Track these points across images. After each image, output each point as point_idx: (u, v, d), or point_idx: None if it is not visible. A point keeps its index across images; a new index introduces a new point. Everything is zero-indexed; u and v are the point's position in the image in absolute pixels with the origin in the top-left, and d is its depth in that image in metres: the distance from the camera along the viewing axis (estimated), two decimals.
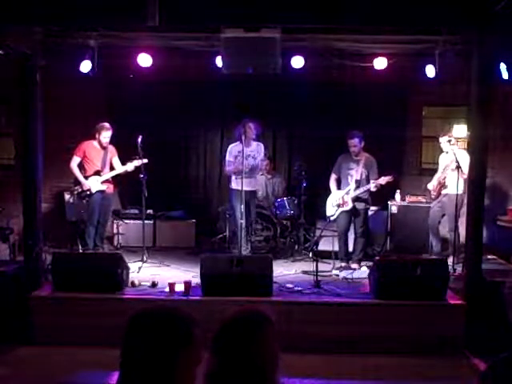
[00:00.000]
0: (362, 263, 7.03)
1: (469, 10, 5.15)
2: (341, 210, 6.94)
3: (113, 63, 7.04)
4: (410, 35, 6.09)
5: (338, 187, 7.05)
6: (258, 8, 5.23)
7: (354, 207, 6.92)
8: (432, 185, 7.26)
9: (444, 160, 7.21)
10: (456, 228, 6.97)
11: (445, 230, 7.38)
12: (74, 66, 6.66)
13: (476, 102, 5.52)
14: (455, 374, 4.70)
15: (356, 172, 6.89)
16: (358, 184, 6.86)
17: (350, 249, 7.16)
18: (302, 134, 8.72)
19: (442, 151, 7.27)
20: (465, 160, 6.86)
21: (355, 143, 6.87)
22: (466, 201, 6.06)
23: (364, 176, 6.87)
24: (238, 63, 5.75)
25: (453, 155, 6.92)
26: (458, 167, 6.67)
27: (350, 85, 8.07)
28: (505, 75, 6.33)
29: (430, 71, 6.85)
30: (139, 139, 6.85)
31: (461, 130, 8.81)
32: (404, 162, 8.67)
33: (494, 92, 5.61)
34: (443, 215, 7.21)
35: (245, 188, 6.90)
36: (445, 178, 7.08)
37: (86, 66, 6.67)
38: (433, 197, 7.23)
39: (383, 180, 6.72)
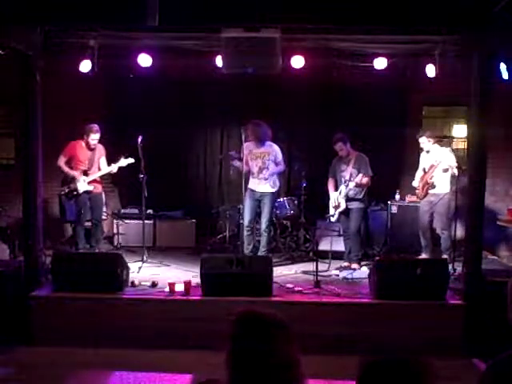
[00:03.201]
0: (362, 263, 7.04)
1: (469, 10, 5.15)
2: (338, 211, 6.98)
3: (113, 63, 7.03)
4: (410, 35, 6.08)
5: (337, 189, 7.07)
6: (258, 8, 5.22)
7: (347, 207, 6.94)
8: (417, 184, 7.26)
9: (426, 159, 7.21)
10: (450, 226, 7.06)
11: (437, 228, 7.36)
12: (73, 66, 6.65)
13: (476, 101, 5.52)
14: (455, 374, 4.69)
15: (346, 173, 6.93)
16: (347, 183, 6.88)
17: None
18: (302, 134, 8.72)
19: (422, 150, 7.28)
20: (452, 159, 6.91)
21: (340, 147, 6.89)
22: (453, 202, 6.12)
23: (354, 176, 6.86)
24: (238, 63, 5.75)
25: (437, 155, 7.02)
26: (448, 168, 6.79)
27: (350, 85, 8.06)
28: (505, 75, 6.32)
29: (430, 71, 6.84)
30: (139, 139, 6.86)
31: (461, 129, 8.82)
32: (404, 161, 8.67)
33: (494, 92, 5.59)
34: (431, 214, 7.20)
35: (255, 188, 6.95)
36: (432, 177, 7.08)
37: (85, 66, 6.66)
38: (420, 196, 7.23)
39: (358, 178, 6.72)
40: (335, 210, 7.00)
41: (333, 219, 7.06)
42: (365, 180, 6.75)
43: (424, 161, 7.25)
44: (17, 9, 5.22)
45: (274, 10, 5.24)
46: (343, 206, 6.93)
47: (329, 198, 7.13)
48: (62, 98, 7.97)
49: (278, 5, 5.21)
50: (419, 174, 7.29)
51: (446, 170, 6.97)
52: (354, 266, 6.93)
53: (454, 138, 7.51)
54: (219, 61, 6.13)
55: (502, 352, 1.87)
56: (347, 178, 6.90)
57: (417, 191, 7.29)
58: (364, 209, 7.14)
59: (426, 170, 7.15)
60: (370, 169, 6.89)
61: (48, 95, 6.08)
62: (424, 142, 7.10)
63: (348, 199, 6.92)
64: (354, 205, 6.95)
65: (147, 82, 7.82)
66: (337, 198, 6.97)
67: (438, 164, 6.97)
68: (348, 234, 7.06)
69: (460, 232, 6.66)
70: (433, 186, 7.07)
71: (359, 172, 6.84)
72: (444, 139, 7.34)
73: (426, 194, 7.13)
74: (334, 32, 5.98)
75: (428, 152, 7.14)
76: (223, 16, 5.32)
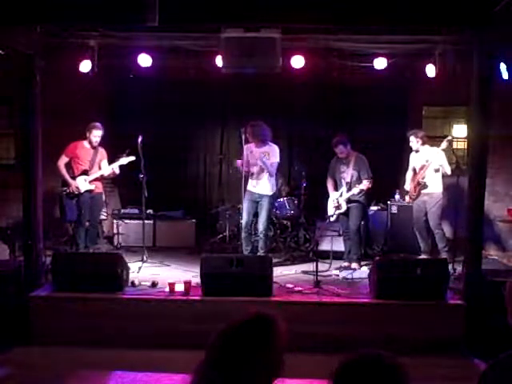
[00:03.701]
0: (362, 263, 7.04)
1: (469, 10, 5.15)
2: (338, 212, 6.99)
3: (113, 63, 7.04)
4: (409, 35, 6.09)
5: (336, 189, 7.08)
6: (258, 8, 5.23)
7: (348, 208, 6.95)
8: (409, 185, 7.25)
9: (416, 159, 7.19)
10: (442, 226, 7.07)
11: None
12: (74, 66, 6.66)
13: (476, 101, 5.51)
14: (455, 374, 4.69)
15: (347, 174, 6.92)
16: (349, 186, 6.88)
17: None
18: (302, 134, 8.72)
19: (411, 150, 7.28)
20: (443, 159, 6.91)
21: (341, 150, 6.90)
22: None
23: (355, 177, 6.88)
24: (238, 63, 5.75)
25: (427, 155, 7.01)
26: (439, 168, 6.80)
27: (350, 85, 8.07)
28: (505, 75, 6.33)
29: (430, 71, 6.85)
30: (139, 139, 6.86)
31: (461, 129, 8.83)
32: (404, 161, 8.66)
33: (494, 92, 5.59)
34: (426, 214, 7.19)
35: (254, 190, 6.95)
36: (424, 177, 7.06)
37: (85, 66, 6.67)
38: (413, 197, 7.21)
39: (364, 185, 6.74)
40: (335, 211, 7.00)
41: (332, 219, 7.06)
42: (369, 186, 6.76)
43: (413, 161, 7.23)
44: (17, 9, 5.22)
45: (274, 9, 5.24)
46: (344, 207, 6.94)
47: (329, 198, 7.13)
48: (62, 98, 7.98)
49: (277, 5, 5.21)
50: (409, 174, 7.29)
51: (437, 170, 6.98)
52: (354, 265, 6.93)
53: (446, 137, 7.47)
54: (219, 61, 6.13)
55: (502, 352, 1.87)
56: (348, 180, 6.90)
57: (409, 193, 7.28)
58: (363, 207, 7.12)
59: (417, 171, 7.14)
60: (370, 169, 6.89)
61: (48, 95, 6.08)
62: (412, 140, 7.07)
63: (348, 201, 6.94)
64: (354, 204, 6.96)
65: (147, 82, 7.83)
66: (337, 199, 6.98)
67: (429, 164, 6.97)
68: (348, 234, 7.06)
69: (451, 230, 6.67)
70: (425, 187, 7.06)
71: (359, 174, 6.85)
72: (439, 139, 7.33)
73: (419, 194, 7.11)
74: (334, 32, 5.98)
75: (417, 152, 7.13)
76: (223, 16, 5.32)
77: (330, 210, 7.07)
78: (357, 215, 6.99)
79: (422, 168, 7.05)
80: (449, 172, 6.92)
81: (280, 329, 1.80)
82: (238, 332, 1.76)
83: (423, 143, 7.05)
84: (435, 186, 7.02)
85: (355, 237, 7.01)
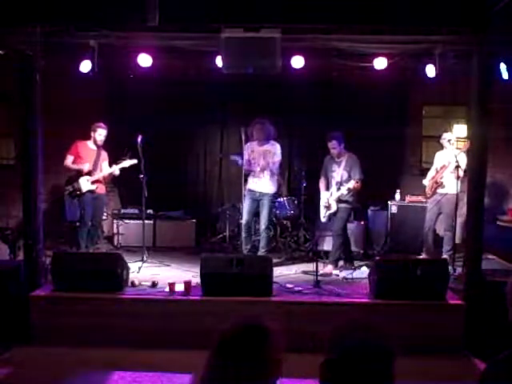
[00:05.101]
0: (361, 263, 7.03)
1: (468, 10, 5.15)
2: (328, 212, 6.89)
3: (113, 63, 7.03)
4: (409, 35, 6.08)
5: (328, 188, 7.01)
6: (258, 8, 5.23)
7: (337, 209, 6.87)
8: (428, 182, 7.26)
9: (441, 158, 7.21)
10: (453, 227, 7.04)
11: (441, 229, 7.38)
12: (74, 66, 6.65)
13: (476, 101, 5.52)
14: (455, 373, 4.69)
15: (337, 174, 6.86)
16: (339, 186, 6.81)
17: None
18: (302, 134, 8.72)
19: (441, 148, 7.28)
20: (463, 161, 6.91)
21: (334, 145, 6.82)
22: (464, 200, 6.13)
23: (345, 177, 6.78)
24: (238, 63, 5.74)
25: (451, 155, 7.01)
26: (458, 167, 6.74)
27: (350, 85, 8.06)
28: (505, 75, 6.33)
29: (430, 71, 6.84)
30: (139, 139, 6.86)
31: (461, 129, 8.83)
32: (404, 161, 8.67)
33: (494, 92, 5.59)
34: (439, 215, 7.20)
35: (255, 188, 6.94)
36: (442, 177, 7.08)
37: (85, 66, 6.65)
38: (428, 195, 7.23)
39: (351, 184, 6.63)
40: (326, 211, 6.94)
41: (323, 220, 7.00)
42: (357, 186, 6.68)
43: (438, 161, 7.28)
44: (17, 9, 5.22)
45: (274, 9, 5.24)
46: (334, 208, 6.83)
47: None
48: (62, 98, 7.98)
49: (277, 5, 5.21)
50: (431, 173, 7.31)
51: (453, 172, 6.96)
52: (329, 267, 6.73)
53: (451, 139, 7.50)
54: (219, 61, 6.13)
55: (502, 352, 1.87)
56: (338, 179, 6.82)
57: (427, 191, 7.31)
58: (350, 209, 7.00)
59: (438, 170, 7.18)
60: (361, 170, 6.76)
61: (48, 95, 6.07)
62: (449, 137, 7.12)
63: (338, 201, 6.89)
64: (341, 205, 6.88)
65: (147, 82, 7.82)
66: (327, 199, 6.93)
67: (448, 165, 7.00)
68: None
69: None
70: (442, 186, 7.09)
71: (350, 174, 6.76)
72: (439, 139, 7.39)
73: (434, 192, 7.14)
74: (334, 32, 5.97)
75: (445, 149, 7.15)
76: (223, 16, 5.32)
77: (322, 210, 7.02)
78: (343, 216, 6.85)
79: (442, 167, 7.11)
80: (461, 174, 6.84)
81: (275, 341, 1.78)
82: (231, 343, 1.74)
83: (452, 143, 7.13)
84: (451, 187, 7.00)
85: (337, 237, 6.87)
